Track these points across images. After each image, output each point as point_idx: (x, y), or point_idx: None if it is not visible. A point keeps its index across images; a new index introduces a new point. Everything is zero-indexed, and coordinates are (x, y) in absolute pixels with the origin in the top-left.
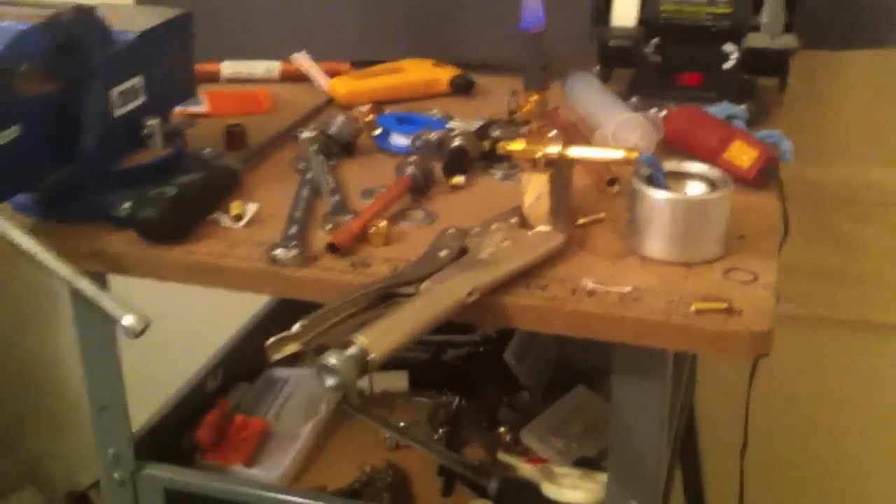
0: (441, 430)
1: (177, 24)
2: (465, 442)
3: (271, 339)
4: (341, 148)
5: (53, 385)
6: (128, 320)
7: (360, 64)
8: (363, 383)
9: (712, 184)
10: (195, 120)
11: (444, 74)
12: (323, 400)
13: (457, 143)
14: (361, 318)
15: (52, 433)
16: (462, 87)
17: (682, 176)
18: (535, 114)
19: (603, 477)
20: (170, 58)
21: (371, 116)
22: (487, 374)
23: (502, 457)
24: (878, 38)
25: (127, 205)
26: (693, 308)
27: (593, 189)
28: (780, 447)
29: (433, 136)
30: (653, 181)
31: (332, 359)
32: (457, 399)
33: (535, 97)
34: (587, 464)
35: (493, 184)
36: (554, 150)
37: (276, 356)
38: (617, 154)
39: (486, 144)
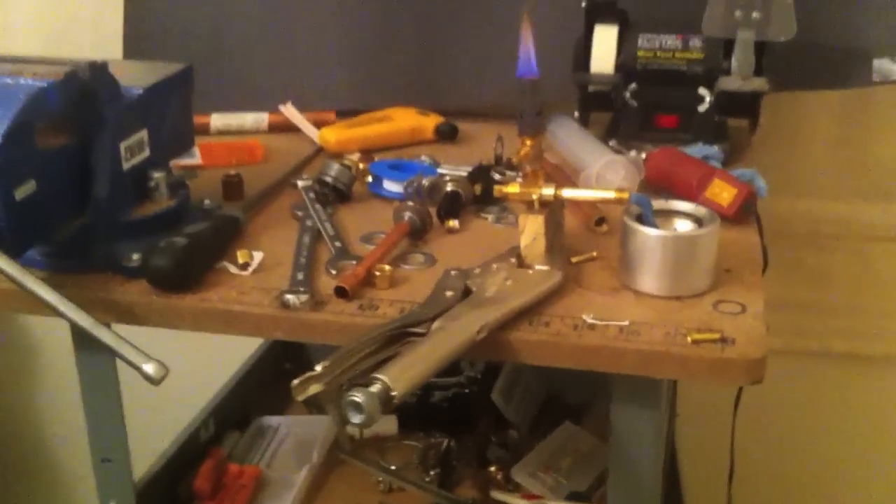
0: (432, 472)
1: (179, 77)
2: (457, 482)
3: (296, 381)
4: (337, 195)
5: (27, 440)
6: (149, 368)
7: (345, 113)
8: (353, 429)
9: (698, 221)
10: (195, 171)
11: (429, 122)
12: (315, 446)
13: (449, 188)
14: (377, 357)
15: (25, 490)
16: (447, 134)
17: (670, 214)
18: (530, 158)
19: None
20: (173, 111)
21: (363, 164)
22: (475, 414)
23: (496, 495)
24: (844, 78)
25: (137, 255)
26: (689, 339)
27: (582, 229)
28: (764, 475)
29: (425, 181)
30: (643, 219)
31: (358, 396)
32: (446, 440)
33: (530, 142)
34: (579, 498)
35: (486, 226)
36: (548, 192)
37: (301, 396)
38: (608, 194)
39: (478, 189)
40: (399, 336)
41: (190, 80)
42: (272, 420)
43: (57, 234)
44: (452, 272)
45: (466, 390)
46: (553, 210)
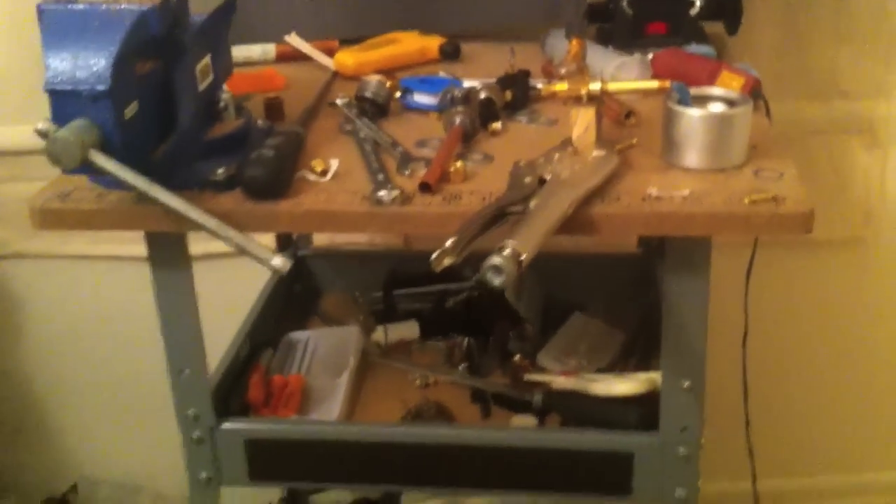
0: (461, 367)
1: (229, 6)
2: (485, 374)
3: (434, 255)
4: (377, 109)
5: (17, 397)
6: (276, 262)
7: (347, 41)
8: (379, 336)
9: (730, 102)
10: (248, 95)
11: (433, 42)
12: (350, 353)
13: (483, 95)
14: (486, 235)
15: (20, 445)
16: (450, 53)
17: (704, 99)
18: (578, 56)
19: (637, 375)
20: (223, 38)
21: (391, 82)
22: (490, 315)
23: (531, 377)
24: None
25: (221, 170)
26: (746, 201)
27: (610, 124)
28: (778, 336)
29: (457, 92)
30: (683, 104)
31: (497, 260)
32: (466, 339)
33: (576, 42)
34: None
35: (522, 128)
36: (595, 86)
37: (439, 268)
38: (651, 84)
39: (508, 95)
40: (499, 216)
41: (233, 8)
42: (300, 335)
43: (149, 156)
44: (521, 163)
45: (477, 294)
46: (597, 104)
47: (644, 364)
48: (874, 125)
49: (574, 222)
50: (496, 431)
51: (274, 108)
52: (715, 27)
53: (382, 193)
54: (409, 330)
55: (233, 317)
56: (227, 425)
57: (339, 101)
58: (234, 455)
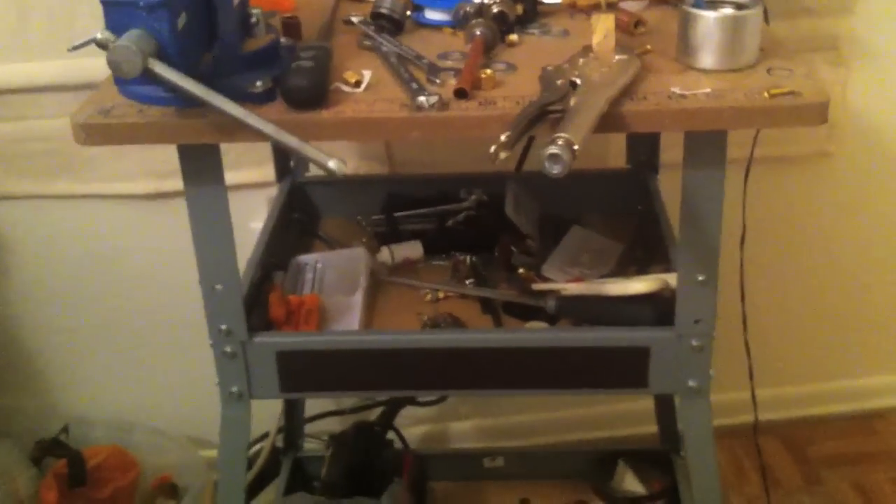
0: (468, 282)
1: None
2: (493, 286)
3: (492, 148)
4: (393, 25)
5: (4, 340)
6: (332, 164)
7: None
8: (385, 256)
9: (740, 6)
10: (273, 12)
11: None
12: (361, 273)
13: (496, 9)
14: (531, 130)
15: (9, 388)
16: None
17: (716, 4)
18: None
19: (647, 276)
20: None
21: None
22: (491, 232)
23: (539, 287)
24: None
25: (260, 83)
26: (766, 95)
27: (621, 34)
28: (774, 237)
29: (469, 7)
30: (697, 7)
31: (554, 149)
32: (469, 256)
33: None
34: None
35: (535, 39)
36: None
37: (497, 160)
38: None
39: (520, 8)
40: (540, 115)
41: None
42: (308, 258)
43: (198, 66)
44: (549, 68)
45: (476, 213)
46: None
47: (643, 272)
48: (838, 42)
49: (608, 120)
50: (515, 333)
51: (292, 27)
52: None
53: (422, 99)
54: (413, 249)
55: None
56: (258, 339)
57: (354, 19)
58: (265, 368)
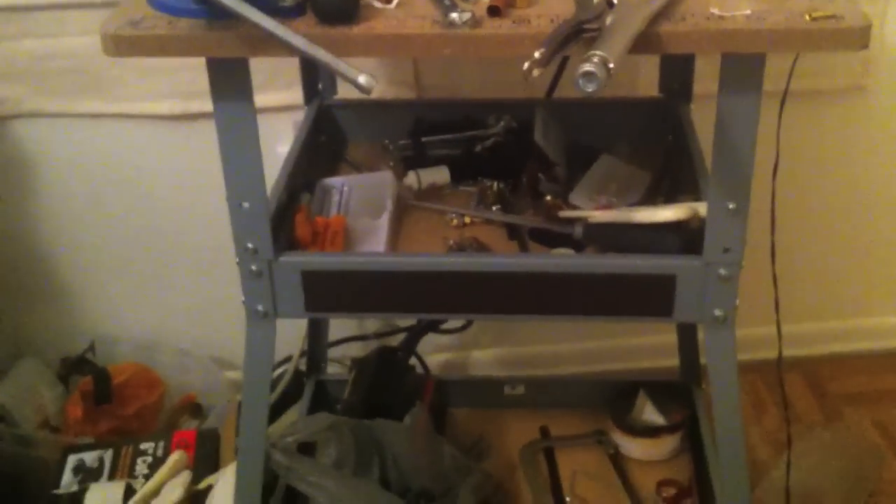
0: (494, 208)
1: None
2: (519, 212)
3: (526, 64)
4: None
5: (31, 259)
6: (362, 79)
7: None
8: (411, 180)
9: None
10: None
11: None
12: (387, 196)
13: None
14: (566, 48)
15: (36, 306)
16: None
17: None
18: None
19: (676, 205)
20: None
21: None
22: (518, 159)
23: (566, 214)
24: None
25: None
26: (808, 17)
27: None
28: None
29: None
30: None
31: (589, 66)
32: (496, 182)
33: None
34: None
35: None
36: None
37: (530, 77)
38: None
39: None
40: (575, 33)
41: None
42: (334, 181)
43: None
44: None
45: (503, 139)
46: None
47: (672, 200)
48: None
49: (645, 40)
50: (541, 258)
51: None
52: None
53: (455, 16)
54: (440, 175)
55: None
56: (284, 258)
57: None
58: (291, 287)
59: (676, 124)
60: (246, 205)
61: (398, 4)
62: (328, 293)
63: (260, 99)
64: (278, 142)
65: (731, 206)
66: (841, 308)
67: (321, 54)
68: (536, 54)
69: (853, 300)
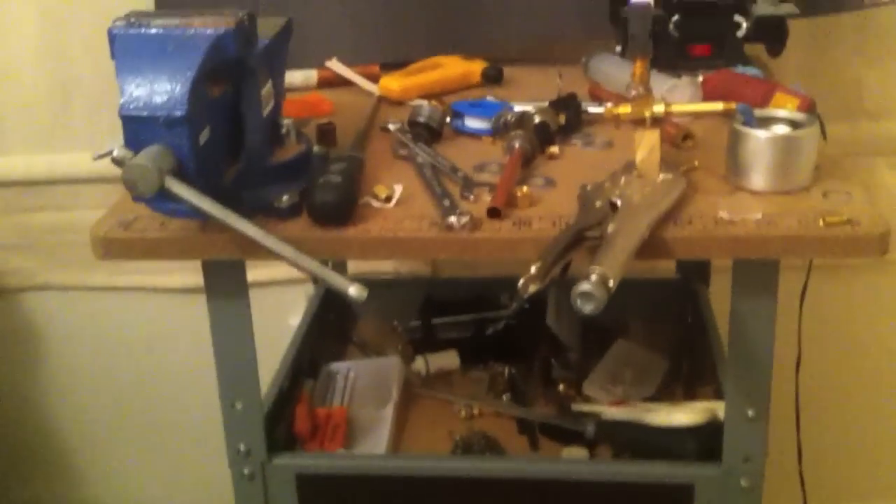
0: (504, 397)
1: (287, 30)
2: (530, 402)
3: (521, 281)
4: (430, 133)
5: (37, 430)
6: (353, 290)
7: (387, 66)
8: (420, 365)
9: (794, 124)
10: (307, 120)
11: (476, 67)
12: (393, 384)
13: (538, 119)
14: (565, 260)
15: (39, 478)
16: (493, 77)
17: (768, 120)
18: (643, 78)
19: (694, 404)
20: (283, 61)
21: (442, 106)
22: (530, 342)
23: (579, 407)
24: (838, 3)
25: (286, 197)
26: (821, 223)
27: (668, 146)
28: (831, 361)
29: (510, 116)
30: (749, 126)
31: (587, 286)
32: (507, 368)
33: (641, 63)
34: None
35: (578, 151)
36: (660, 108)
37: (526, 294)
38: (716, 106)
39: (562, 118)
40: (576, 241)
41: (291, 31)
42: (339, 366)
43: (220, 180)
44: (588, 187)
45: (515, 321)
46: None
47: (690, 390)
48: None
49: (649, 246)
50: (550, 463)
51: (327, 134)
52: (753, 49)
53: (453, 219)
54: (449, 359)
55: (265, 348)
56: (278, 460)
57: (391, 126)
58: (284, 490)
59: (694, 305)
60: (239, 405)
61: (397, 203)
62: (325, 497)
63: (273, 271)
64: (290, 314)
65: (750, 413)
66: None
67: (310, 265)
68: (533, 269)
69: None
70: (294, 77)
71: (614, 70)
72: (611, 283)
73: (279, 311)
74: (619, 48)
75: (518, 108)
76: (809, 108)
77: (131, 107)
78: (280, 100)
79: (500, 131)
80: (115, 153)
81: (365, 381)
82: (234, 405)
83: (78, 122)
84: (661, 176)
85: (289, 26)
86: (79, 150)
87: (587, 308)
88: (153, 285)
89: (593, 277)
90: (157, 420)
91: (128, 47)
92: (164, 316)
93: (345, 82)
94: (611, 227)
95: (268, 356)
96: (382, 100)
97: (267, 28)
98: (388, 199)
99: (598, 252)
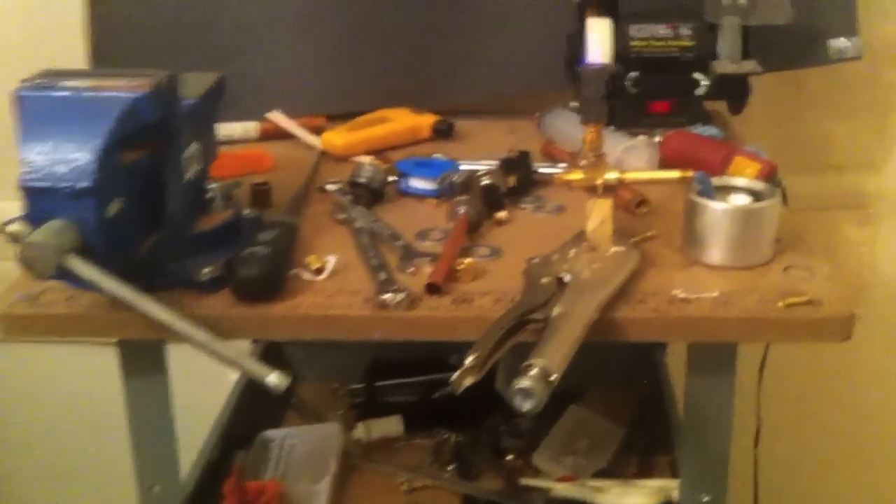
0: (449, 468)
1: (219, 87)
2: (476, 475)
3: (455, 375)
4: (372, 195)
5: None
6: (272, 379)
7: (333, 117)
8: (361, 432)
9: (754, 194)
10: (238, 181)
11: (425, 121)
12: (331, 455)
13: (486, 181)
14: (506, 346)
15: None
16: (443, 132)
17: (727, 189)
18: (596, 145)
19: (647, 483)
20: (212, 121)
21: (385, 165)
22: (479, 407)
23: (527, 482)
24: (801, 58)
25: (207, 269)
26: (781, 304)
27: (622, 212)
28: (791, 433)
29: (457, 177)
30: (704, 196)
31: (525, 382)
32: (453, 435)
33: (593, 129)
34: (606, 476)
35: (528, 215)
36: (612, 176)
37: (461, 388)
38: (672, 174)
39: (512, 180)
40: (519, 325)
41: (223, 90)
42: (275, 433)
43: (132, 254)
44: (535, 260)
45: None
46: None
47: (646, 462)
48: (866, 200)
49: (599, 327)
50: None
51: (261, 196)
52: (713, 104)
53: (387, 297)
54: (392, 426)
55: (202, 404)
56: None
57: (330, 187)
58: None
59: (651, 369)
60: (157, 489)
61: (330, 275)
62: None
63: None
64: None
65: (705, 498)
66: None
67: (223, 350)
68: (467, 361)
69: None
70: (234, 129)
71: (569, 127)
72: (553, 378)
73: (218, 367)
74: (574, 104)
75: (466, 167)
76: (770, 173)
77: (32, 177)
78: (209, 161)
79: (445, 193)
80: (9, 228)
81: (302, 450)
82: (151, 489)
83: None
84: (613, 248)
85: (221, 83)
86: None
87: (526, 406)
88: (92, 339)
89: (533, 372)
90: (97, 473)
91: (33, 110)
92: (102, 369)
93: (287, 135)
94: (557, 310)
95: (206, 413)
96: (325, 155)
97: (197, 85)
98: (320, 270)
99: (540, 339)
